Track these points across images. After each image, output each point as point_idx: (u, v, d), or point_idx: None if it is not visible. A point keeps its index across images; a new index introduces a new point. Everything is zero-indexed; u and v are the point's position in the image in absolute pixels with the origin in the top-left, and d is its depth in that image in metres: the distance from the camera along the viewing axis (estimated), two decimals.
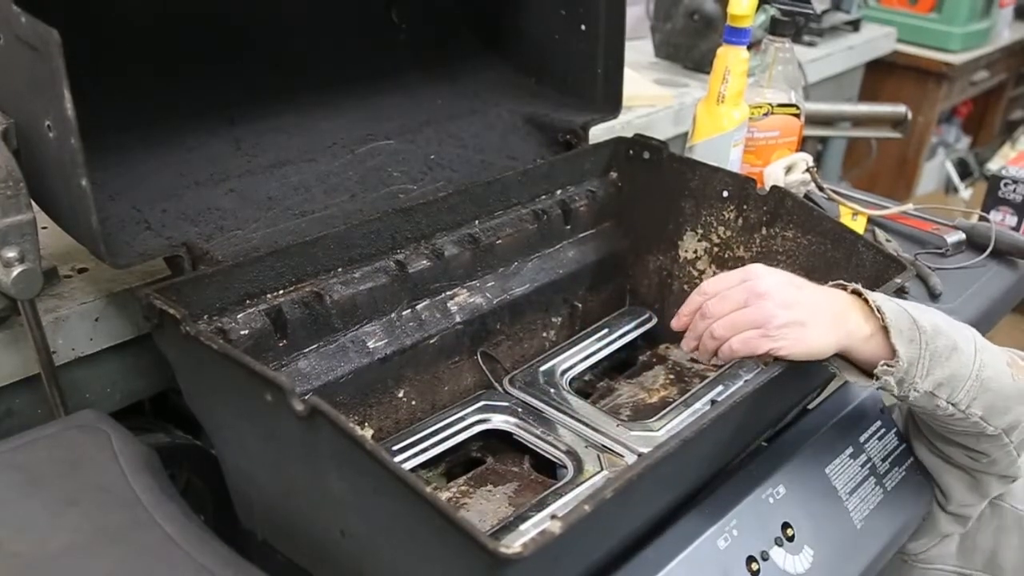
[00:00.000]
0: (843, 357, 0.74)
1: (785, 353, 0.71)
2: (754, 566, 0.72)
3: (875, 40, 2.03)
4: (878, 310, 0.72)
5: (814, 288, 0.75)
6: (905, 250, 1.08)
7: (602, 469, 0.77)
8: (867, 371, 0.74)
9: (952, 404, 0.74)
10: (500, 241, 0.92)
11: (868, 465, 0.86)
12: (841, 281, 0.76)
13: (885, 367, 0.71)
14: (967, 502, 0.88)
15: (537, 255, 0.98)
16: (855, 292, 0.74)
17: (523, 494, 0.80)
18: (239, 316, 0.73)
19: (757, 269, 0.75)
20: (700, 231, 1.01)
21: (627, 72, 1.04)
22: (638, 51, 1.64)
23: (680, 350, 1.02)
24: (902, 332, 0.71)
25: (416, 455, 0.79)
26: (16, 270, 0.66)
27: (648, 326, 1.03)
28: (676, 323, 0.80)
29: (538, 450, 0.82)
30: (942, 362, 0.72)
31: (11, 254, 0.66)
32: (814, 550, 0.76)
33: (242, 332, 0.72)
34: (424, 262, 0.86)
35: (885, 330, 0.71)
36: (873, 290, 0.77)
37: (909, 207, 1.16)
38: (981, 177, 2.68)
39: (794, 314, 0.71)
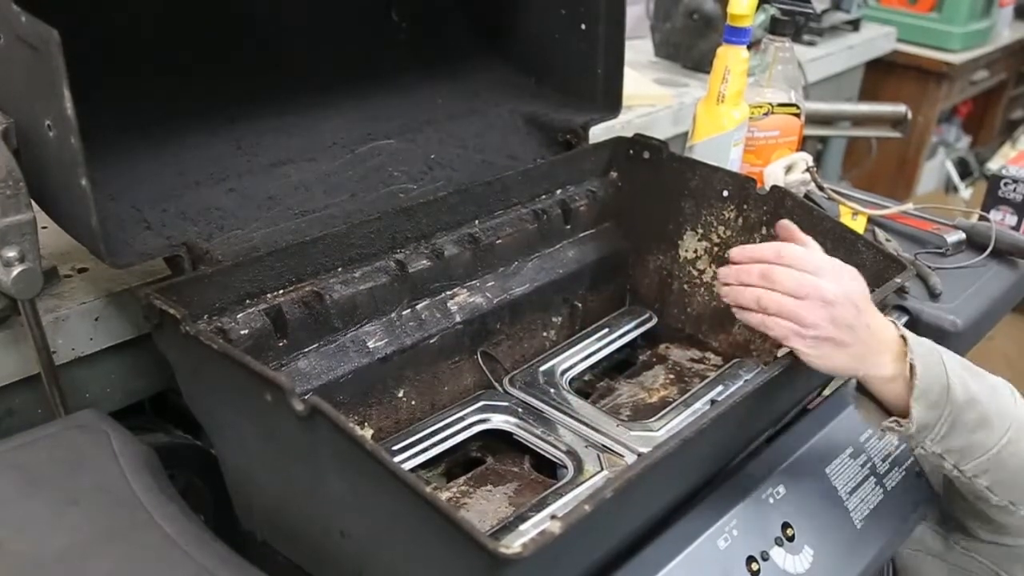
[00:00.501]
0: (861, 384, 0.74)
1: (805, 360, 0.70)
2: (754, 566, 0.72)
3: (875, 40, 2.03)
4: (911, 367, 0.70)
5: (871, 314, 0.73)
6: (905, 250, 1.08)
7: (602, 469, 0.77)
8: (884, 406, 0.74)
9: (958, 469, 0.73)
10: (500, 241, 0.92)
11: (868, 465, 0.86)
12: (894, 320, 0.75)
13: (893, 425, 0.72)
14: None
15: (537, 255, 0.98)
16: (903, 337, 0.72)
17: (523, 494, 0.80)
18: (239, 316, 0.73)
19: (839, 271, 0.73)
20: (700, 231, 1.01)
21: (627, 71, 1.04)
22: (638, 50, 1.64)
23: (680, 350, 1.02)
24: (927, 396, 0.70)
25: (416, 455, 0.79)
26: (16, 270, 0.66)
27: (648, 326, 1.03)
28: (737, 254, 0.76)
29: (538, 450, 0.82)
30: (963, 433, 0.72)
31: (11, 254, 0.66)
32: (814, 550, 0.77)
33: (242, 332, 0.72)
34: (424, 262, 0.86)
35: (909, 388, 0.70)
36: (872, 290, 0.77)
37: (909, 207, 1.16)
38: (981, 177, 2.68)
39: (838, 333, 0.70)
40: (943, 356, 0.73)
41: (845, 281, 0.72)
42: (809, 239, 0.78)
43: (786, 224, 0.79)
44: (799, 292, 0.71)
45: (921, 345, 0.72)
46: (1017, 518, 0.78)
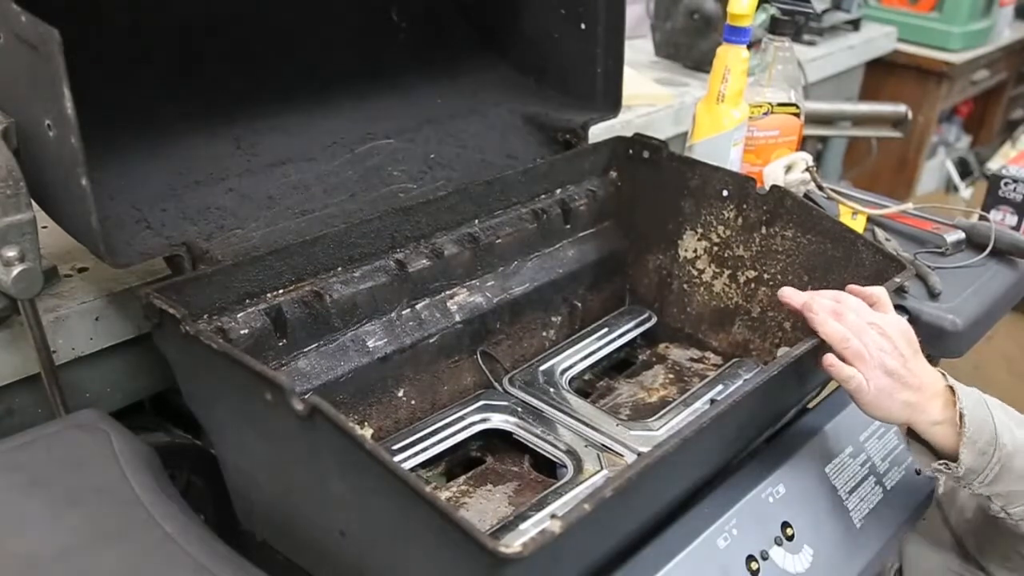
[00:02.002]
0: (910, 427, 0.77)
1: (863, 408, 0.74)
2: (754, 565, 0.72)
3: (875, 39, 2.03)
4: (961, 416, 0.74)
5: (919, 364, 0.76)
6: (905, 249, 1.08)
7: (602, 468, 0.77)
8: (931, 448, 0.77)
9: (1005, 512, 0.77)
10: (500, 240, 0.92)
11: (868, 464, 0.86)
12: (943, 371, 0.77)
13: (942, 468, 0.75)
14: None
15: (537, 254, 0.98)
16: (950, 388, 0.76)
17: (523, 493, 0.80)
18: (239, 315, 0.73)
19: (887, 323, 0.76)
20: (700, 230, 1.01)
21: (627, 71, 1.04)
22: (638, 50, 1.64)
23: (679, 349, 1.02)
24: (976, 443, 0.74)
25: (416, 455, 0.79)
26: (16, 269, 0.66)
27: (648, 325, 1.03)
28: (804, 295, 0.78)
29: (538, 449, 0.82)
30: (1012, 479, 0.75)
31: (11, 253, 0.66)
32: (814, 549, 0.77)
33: (242, 331, 0.72)
34: (424, 261, 0.86)
35: (958, 434, 0.73)
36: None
37: (909, 206, 1.16)
38: (981, 176, 2.68)
39: (889, 382, 0.73)
40: (990, 408, 0.76)
41: (892, 333, 0.75)
42: (880, 290, 0.80)
43: (853, 288, 0.80)
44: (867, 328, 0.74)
45: (969, 396, 0.75)
46: None
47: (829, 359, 0.73)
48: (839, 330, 0.73)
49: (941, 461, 0.75)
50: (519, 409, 0.85)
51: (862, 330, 0.74)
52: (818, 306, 0.75)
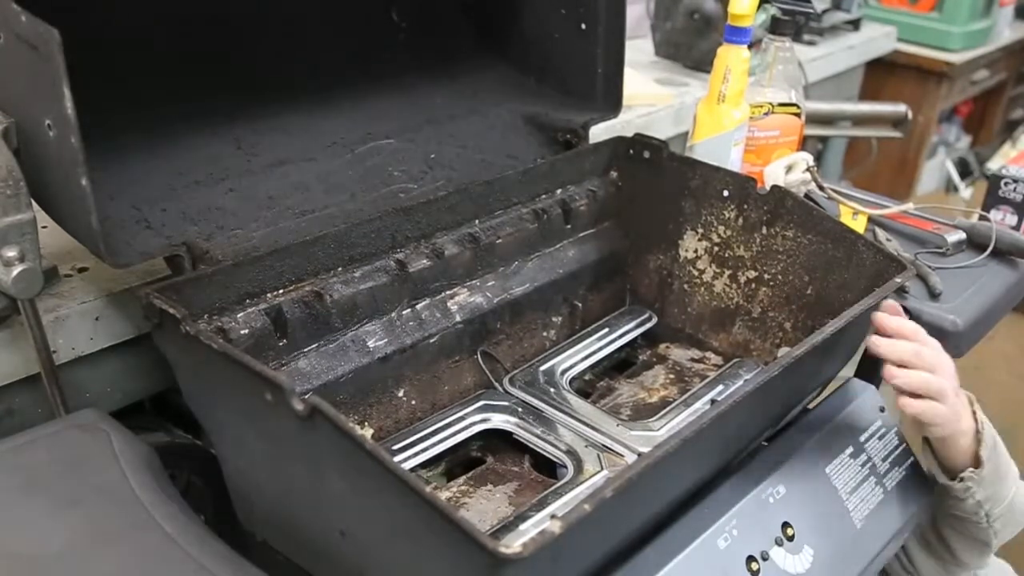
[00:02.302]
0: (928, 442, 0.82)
1: (933, 432, 0.78)
2: (754, 566, 0.72)
3: (875, 39, 2.03)
4: (981, 425, 0.80)
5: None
6: (905, 249, 1.08)
7: (602, 469, 0.77)
8: (944, 464, 0.83)
9: (987, 516, 0.83)
10: (500, 240, 0.92)
11: (868, 465, 0.85)
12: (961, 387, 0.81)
13: (972, 473, 0.80)
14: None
15: (537, 254, 0.98)
16: (969, 399, 0.81)
17: (523, 494, 0.80)
18: (239, 315, 0.73)
19: (938, 347, 0.79)
20: (700, 230, 1.01)
21: (627, 71, 1.04)
22: (638, 50, 1.64)
23: (680, 349, 1.02)
24: (986, 446, 0.80)
25: (416, 455, 0.79)
26: (16, 269, 0.66)
27: (648, 325, 1.03)
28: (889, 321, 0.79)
29: (538, 450, 0.82)
30: (996, 481, 0.82)
31: (11, 253, 0.66)
32: (814, 550, 0.76)
33: (242, 331, 0.72)
34: (424, 261, 0.86)
35: (977, 440, 0.79)
36: (872, 289, 0.77)
37: (909, 206, 1.16)
38: (981, 176, 2.68)
39: (951, 406, 0.77)
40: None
41: (944, 359, 0.79)
42: (897, 306, 0.81)
43: (892, 304, 0.81)
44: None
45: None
46: (984, 560, 0.89)
47: (903, 401, 0.76)
48: (921, 380, 0.75)
49: (969, 469, 0.79)
50: (519, 409, 0.85)
51: (934, 367, 0.76)
52: (904, 377, 0.76)
